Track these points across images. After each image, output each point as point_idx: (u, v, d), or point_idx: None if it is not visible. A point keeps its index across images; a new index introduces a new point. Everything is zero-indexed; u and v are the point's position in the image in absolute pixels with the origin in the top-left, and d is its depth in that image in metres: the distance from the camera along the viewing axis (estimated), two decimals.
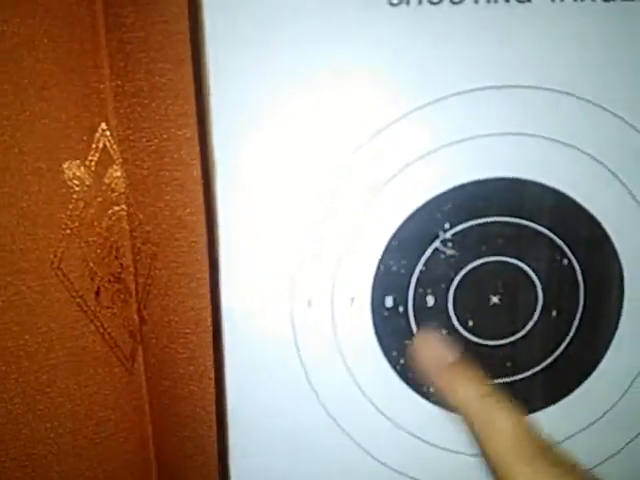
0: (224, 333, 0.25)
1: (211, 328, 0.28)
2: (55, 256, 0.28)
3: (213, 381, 0.29)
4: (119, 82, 0.27)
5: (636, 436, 0.24)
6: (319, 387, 0.22)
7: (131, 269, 0.30)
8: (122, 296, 0.30)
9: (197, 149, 0.27)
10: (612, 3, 0.20)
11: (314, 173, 0.22)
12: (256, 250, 0.24)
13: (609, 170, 0.20)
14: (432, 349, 0.22)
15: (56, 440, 0.32)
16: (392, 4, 0.19)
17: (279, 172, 0.23)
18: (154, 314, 0.30)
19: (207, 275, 0.28)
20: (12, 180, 0.28)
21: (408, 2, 0.19)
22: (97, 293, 0.29)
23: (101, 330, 0.30)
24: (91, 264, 0.29)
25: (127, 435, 0.32)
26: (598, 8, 0.19)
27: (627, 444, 0.23)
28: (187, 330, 0.29)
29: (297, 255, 0.22)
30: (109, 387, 0.31)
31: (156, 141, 0.27)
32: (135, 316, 0.31)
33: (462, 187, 0.21)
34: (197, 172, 0.27)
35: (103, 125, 0.28)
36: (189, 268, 0.29)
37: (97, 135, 0.28)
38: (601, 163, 0.20)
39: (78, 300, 0.29)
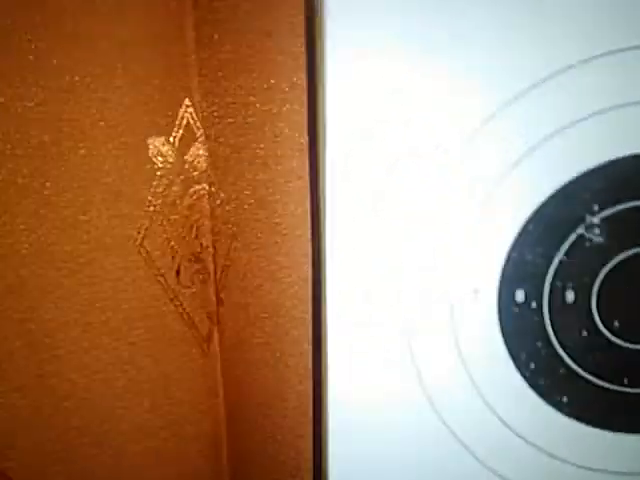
0: (327, 327, 0.22)
1: (289, 313, 0.26)
2: (139, 233, 0.26)
3: (289, 368, 0.28)
4: (205, 55, 0.25)
5: None
6: (434, 391, 0.18)
7: (210, 249, 0.28)
8: (201, 276, 0.29)
9: (282, 125, 0.24)
10: None
11: (433, 156, 0.18)
12: (363, 240, 0.20)
13: None
14: None
15: (133, 418, 0.32)
16: None
17: (394, 155, 0.19)
18: (232, 296, 0.29)
19: (287, 259, 0.26)
20: (98, 154, 0.26)
21: None
22: (177, 272, 0.28)
23: (180, 310, 0.28)
24: (172, 243, 0.27)
25: (200, 417, 0.31)
26: None
27: None
28: (264, 315, 0.28)
29: (412, 243, 0.18)
30: (185, 368, 0.30)
31: (240, 117, 0.25)
32: (213, 297, 0.29)
33: (615, 162, 0.16)
34: (281, 150, 0.25)
35: (187, 101, 0.26)
36: (268, 250, 0.27)
37: (181, 110, 0.26)
38: None
39: (159, 278, 0.27)
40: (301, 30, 0.25)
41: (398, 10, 0.18)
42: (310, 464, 0.29)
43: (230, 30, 0.25)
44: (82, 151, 0.27)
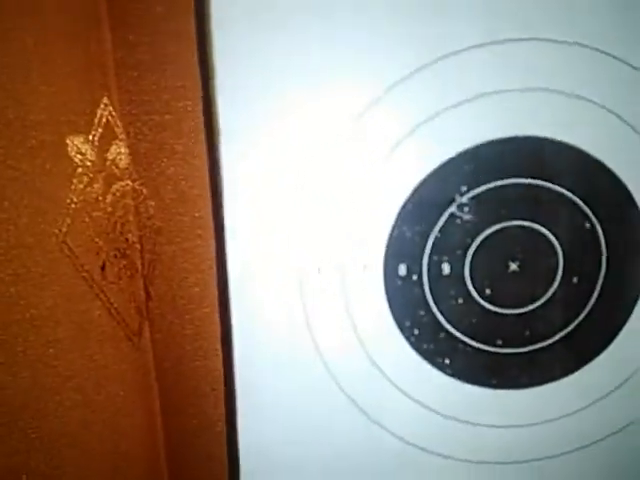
0: (232, 307, 0.23)
1: (215, 303, 0.26)
2: (60, 231, 0.26)
3: (219, 357, 0.27)
4: (121, 54, 0.24)
5: None
6: (329, 358, 0.20)
7: (137, 245, 0.28)
8: (128, 272, 0.28)
9: (198, 121, 0.25)
10: None
11: (321, 137, 0.19)
12: (262, 219, 0.21)
13: (635, 130, 0.17)
14: None
15: (64, 414, 0.31)
16: None
17: (284, 138, 0.19)
18: (160, 290, 0.28)
19: (210, 250, 0.26)
20: (16, 153, 0.25)
21: None
22: (103, 268, 0.27)
23: (107, 305, 0.28)
24: (96, 239, 0.27)
25: (134, 410, 0.30)
26: None
27: None
28: (192, 306, 0.27)
29: (305, 222, 0.19)
30: (116, 362, 0.29)
31: (157, 115, 0.25)
32: (141, 292, 0.29)
33: (478, 147, 0.18)
34: (199, 145, 0.25)
35: (105, 99, 0.25)
36: (192, 242, 0.27)
37: (100, 110, 0.26)
38: (627, 123, 0.16)
39: (84, 274, 0.27)
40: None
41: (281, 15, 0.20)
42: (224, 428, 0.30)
43: (144, 32, 0.24)
44: None
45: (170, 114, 0.24)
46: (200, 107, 0.24)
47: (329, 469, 0.22)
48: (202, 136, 0.24)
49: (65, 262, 0.26)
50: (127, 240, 0.28)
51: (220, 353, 0.25)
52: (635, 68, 0.17)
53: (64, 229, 0.26)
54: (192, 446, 0.30)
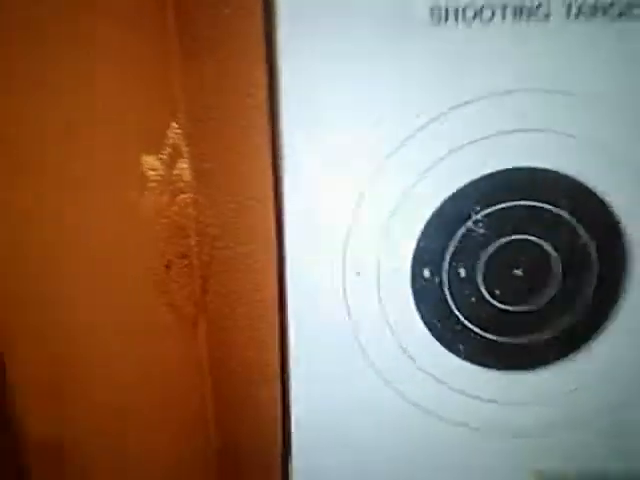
0: (288, 308, 0.26)
1: (266, 300, 0.29)
2: (136, 237, 0.29)
3: (271, 347, 0.29)
4: (189, 78, 0.27)
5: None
6: (367, 348, 0.24)
7: (195, 248, 0.30)
8: (187, 271, 0.31)
9: (259, 143, 0.27)
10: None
11: (364, 163, 0.22)
12: (316, 232, 0.24)
13: (616, 160, 0.21)
14: None
15: (130, 397, 0.32)
16: (432, 21, 0.21)
17: (336, 167, 0.23)
18: (215, 287, 0.30)
19: (264, 255, 0.29)
20: (96, 171, 0.28)
21: (446, 21, 0.19)
22: (167, 267, 0.30)
23: (170, 299, 0.31)
24: (162, 243, 0.30)
25: (189, 395, 0.32)
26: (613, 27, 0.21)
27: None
28: (245, 302, 0.30)
29: (351, 233, 0.23)
30: (175, 352, 0.32)
31: (220, 142, 0.28)
32: (198, 288, 0.31)
33: (490, 176, 0.22)
34: (257, 164, 0.27)
35: (174, 124, 0.28)
36: (246, 248, 0.29)
37: (169, 132, 0.28)
38: (610, 153, 0.21)
39: (152, 273, 0.30)
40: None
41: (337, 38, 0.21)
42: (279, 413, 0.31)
43: (211, 60, 0.26)
44: (80, 172, 0.28)
45: (232, 137, 0.27)
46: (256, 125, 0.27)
47: (369, 442, 0.26)
48: (265, 155, 0.27)
49: (137, 262, 0.30)
50: (188, 245, 0.30)
51: (276, 344, 0.28)
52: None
53: (137, 234, 0.29)
54: (242, 430, 0.32)
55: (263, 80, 0.25)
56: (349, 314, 0.23)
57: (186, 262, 0.31)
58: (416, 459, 0.25)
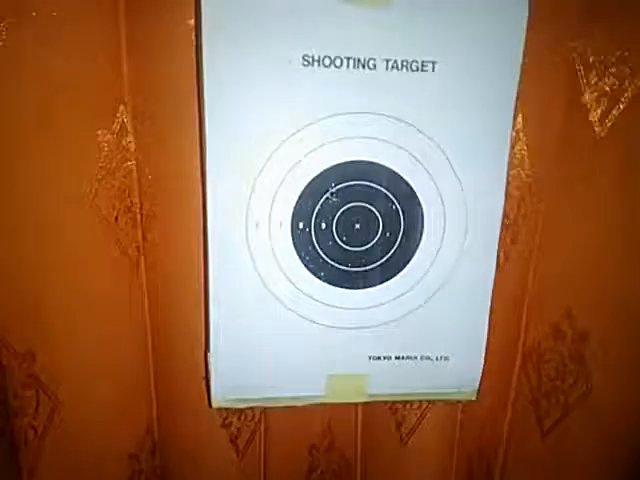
0: (209, 243, 0.32)
1: (193, 246, 0.35)
2: (92, 192, 0.35)
3: (197, 279, 0.35)
4: (135, 78, 0.33)
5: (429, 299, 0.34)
6: (264, 275, 0.32)
7: (138, 205, 0.37)
8: (132, 222, 0.37)
9: (189, 123, 0.33)
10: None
11: (262, 151, 0.30)
12: (231, 191, 0.31)
13: (415, 159, 0.32)
14: None
15: (87, 316, 0.37)
16: (304, 65, 0.29)
17: (251, 136, 0.30)
18: (154, 236, 0.37)
19: (193, 210, 0.34)
20: (60, 142, 0.34)
21: (319, 64, 0.29)
22: (116, 219, 0.36)
23: (118, 244, 0.37)
24: (112, 200, 0.36)
25: (133, 312, 0.39)
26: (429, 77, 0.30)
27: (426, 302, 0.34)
28: (177, 245, 0.36)
29: (255, 193, 0.31)
30: (123, 283, 0.38)
31: (159, 118, 0.34)
32: (140, 236, 0.38)
33: (341, 165, 0.31)
34: (187, 141, 0.33)
35: (122, 107, 0.34)
36: (178, 205, 0.36)
37: (119, 114, 0.34)
38: (415, 158, 0.31)
39: (104, 222, 0.36)
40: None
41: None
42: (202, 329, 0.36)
43: (150, 57, 0.32)
44: (48, 141, 0.33)
45: (167, 118, 0.33)
46: (192, 113, 0.32)
47: (263, 339, 0.33)
48: (194, 131, 0.32)
49: (93, 213, 0.36)
50: (132, 201, 0.36)
51: (201, 272, 0.34)
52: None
53: (94, 192, 0.35)
54: (176, 337, 0.38)
55: (192, 82, 0.31)
56: (250, 255, 0.32)
57: (130, 215, 0.37)
58: (293, 350, 0.35)
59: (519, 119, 0.36)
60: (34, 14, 0.30)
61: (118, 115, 0.34)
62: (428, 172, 0.31)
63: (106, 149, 0.35)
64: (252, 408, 0.39)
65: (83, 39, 0.32)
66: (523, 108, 0.36)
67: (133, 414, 0.39)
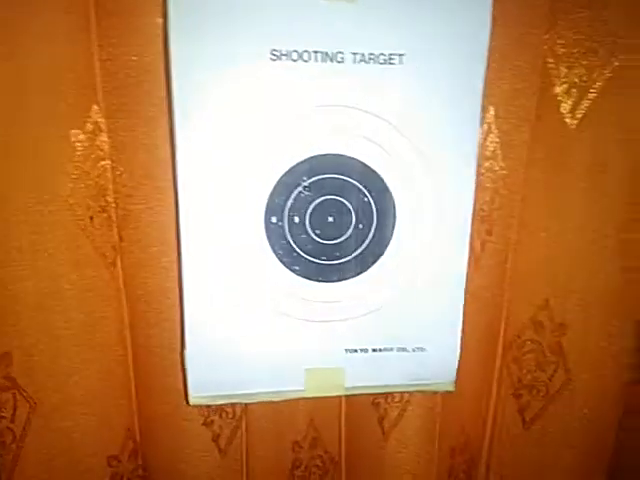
0: (182, 249, 0.33)
1: (169, 244, 0.36)
2: (66, 192, 0.35)
3: (172, 278, 0.36)
4: (107, 78, 0.34)
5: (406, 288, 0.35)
6: (238, 270, 0.33)
7: (113, 205, 0.37)
8: (107, 222, 0.37)
9: (160, 122, 0.33)
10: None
11: (252, 152, 0.31)
12: (206, 189, 0.32)
13: (385, 151, 0.32)
14: None
15: (64, 315, 0.37)
16: (272, 59, 0.29)
17: (225, 139, 0.30)
18: (129, 235, 0.37)
19: (168, 209, 0.35)
20: (33, 142, 0.34)
21: (287, 58, 0.29)
22: (91, 219, 0.36)
23: (93, 244, 0.37)
24: (87, 199, 0.36)
25: (111, 311, 0.39)
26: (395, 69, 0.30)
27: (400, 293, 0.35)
28: (152, 243, 0.37)
29: (229, 195, 0.31)
30: (98, 283, 0.38)
31: (132, 118, 0.34)
32: (116, 236, 0.38)
33: (312, 158, 0.32)
34: (160, 140, 0.34)
35: (95, 107, 0.35)
36: (152, 204, 0.36)
37: (92, 113, 0.35)
38: (386, 151, 0.32)
39: (79, 222, 0.36)
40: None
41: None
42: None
43: (122, 58, 0.33)
44: (24, 141, 0.33)
45: (140, 118, 0.34)
46: (164, 111, 0.33)
47: (242, 332, 0.34)
48: (165, 130, 0.33)
49: (67, 214, 0.36)
50: (107, 200, 0.37)
51: (175, 269, 0.35)
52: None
53: (67, 192, 0.35)
54: (153, 335, 0.38)
55: (163, 80, 0.32)
56: (224, 250, 0.33)
57: (105, 215, 0.38)
58: (269, 344, 0.35)
59: (491, 111, 0.36)
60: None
61: (91, 115, 0.35)
62: (399, 164, 0.31)
63: (80, 149, 0.35)
64: (233, 404, 0.39)
65: (55, 39, 0.32)
66: (494, 100, 0.36)
67: (113, 415, 0.40)
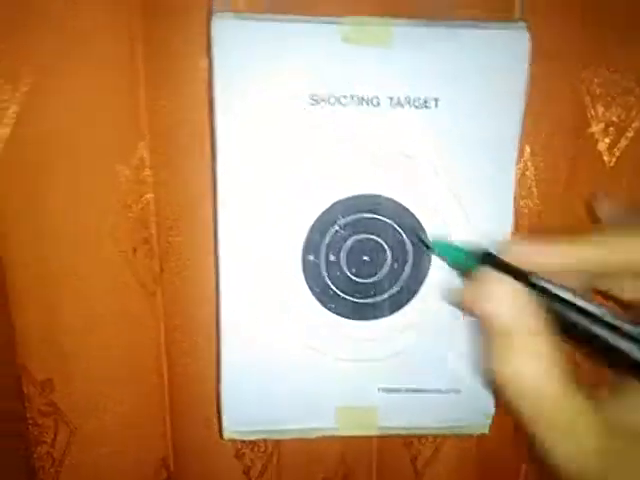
0: (221, 279, 0.33)
1: (206, 274, 0.36)
2: (110, 225, 0.37)
3: (211, 307, 0.36)
4: (152, 114, 0.35)
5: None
6: (275, 307, 0.33)
7: (155, 237, 0.38)
8: (149, 254, 0.38)
9: (203, 162, 0.34)
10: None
11: (291, 192, 0.32)
12: (245, 224, 0.33)
13: (421, 193, 0.32)
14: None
15: (104, 342, 0.38)
16: (312, 104, 0.30)
17: (269, 172, 0.32)
18: (170, 267, 0.38)
19: (208, 241, 0.35)
20: (85, 176, 0.35)
21: (326, 102, 0.30)
22: (134, 251, 0.38)
23: (136, 275, 0.38)
24: (130, 232, 0.37)
25: (150, 340, 0.40)
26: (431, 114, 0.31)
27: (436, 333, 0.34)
28: (192, 275, 0.37)
29: (268, 232, 0.32)
30: (139, 313, 0.39)
31: (175, 155, 0.35)
32: (157, 267, 0.38)
33: (348, 198, 0.32)
34: (201, 178, 0.35)
35: (142, 143, 0.36)
36: (193, 237, 0.37)
37: (138, 149, 0.36)
38: (421, 192, 0.32)
39: (122, 254, 0.37)
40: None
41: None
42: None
43: (166, 96, 0.34)
44: (72, 173, 0.35)
45: (182, 158, 0.35)
46: (206, 147, 0.34)
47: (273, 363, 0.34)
48: (207, 165, 0.33)
49: (111, 246, 0.37)
50: (150, 233, 0.37)
51: (214, 304, 0.35)
52: None
53: (111, 224, 0.36)
54: (185, 366, 0.39)
55: (205, 119, 0.33)
56: (262, 287, 0.33)
57: (148, 247, 0.38)
58: (303, 382, 0.35)
59: (527, 150, 0.36)
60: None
61: (138, 150, 0.36)
62: (434, 205, 0.31)
63: (124, 183, 0.36)
64: (264, 439, 0.39)
65: (106, 78, 0.34)
66: (530, 139, 0.36)
67: (148, 444, 0.40)
